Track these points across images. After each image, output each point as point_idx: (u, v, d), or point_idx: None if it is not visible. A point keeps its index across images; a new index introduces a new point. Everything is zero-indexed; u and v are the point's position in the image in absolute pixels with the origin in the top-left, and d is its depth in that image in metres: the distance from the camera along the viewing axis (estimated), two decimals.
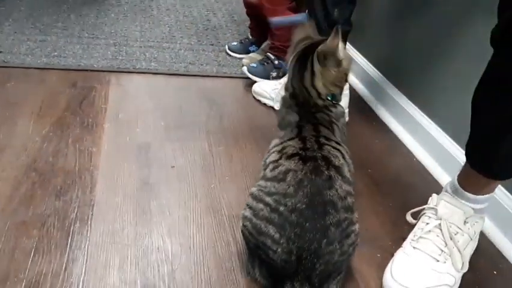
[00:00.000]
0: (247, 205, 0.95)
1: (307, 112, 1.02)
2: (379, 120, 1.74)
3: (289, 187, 0.89)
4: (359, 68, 1.94)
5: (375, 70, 1.86)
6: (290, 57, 1.07)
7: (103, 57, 1.92)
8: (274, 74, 1.90)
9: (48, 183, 1.21)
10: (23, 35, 2.02)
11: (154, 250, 1.06)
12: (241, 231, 0.98)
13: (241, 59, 2.06)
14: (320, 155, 0.92)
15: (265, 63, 1.91)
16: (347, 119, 1.70)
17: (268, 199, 0.91)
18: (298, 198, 0.87)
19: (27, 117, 1.47)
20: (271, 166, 0.94)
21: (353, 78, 1.94)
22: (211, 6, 2.75)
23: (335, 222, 0.88)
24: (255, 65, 1.91)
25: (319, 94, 1.02)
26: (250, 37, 2.14)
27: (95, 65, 1.85)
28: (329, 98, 1.03)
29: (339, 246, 0.89)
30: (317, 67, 1.00)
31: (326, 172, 0.90)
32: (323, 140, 0.96)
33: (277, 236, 0.88)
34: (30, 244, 1.02)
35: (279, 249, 0.88)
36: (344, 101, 1.68)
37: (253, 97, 1.78)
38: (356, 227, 0.94)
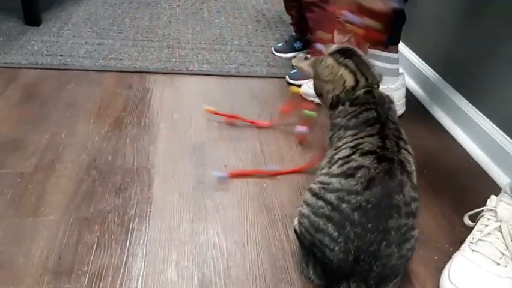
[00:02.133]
0: (305, 202, 0.94)
1: (383, 109, 0.99)
2: (434, 120, 1.70)
3: (357, 184, 0.86)
4: (413, 68, 1.91)
5: (430, 69, 1.82)
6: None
7: (157, 60, 1.97)
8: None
9: (108, 181, 1.25)
10: (81, 38, 2.10)
11: (210, 247, 1.08)
12: (296, 229, 0.98)
13: (289, 58, 2.06)
14: (397, 158, 0.90)
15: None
16: (404, 109, 1.68)
17: (330, 196, 0.88)
18: (364, 197, 0.85)
19: (87, 118, 1.53)
20: (340, 162, 0.92)
21: (407, 78, 1.91)
22: (260, 7, 2.76)
23: (396, 226, 0.86)
24: (295, 70, 1.90)
25: (378, 82, 1.03)
26: (294, 34, 2.14)
27: (149, 67, 1.90)
28: None
29: (398, 249, 0.88)
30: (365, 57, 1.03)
31: (399, 176, 0.88)
32: (401, 144, 0.93)
33: (335, 234, 0.87)
34: (92, 239, 1.07)
35: (337, 248, 0.88)
36: (400, 92, 1.67)
37: (303, 97, 1.78)
38: (416, 232, 0.92)
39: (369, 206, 0.85)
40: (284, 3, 2.10)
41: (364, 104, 1.01)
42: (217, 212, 1.19)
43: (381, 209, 0.85)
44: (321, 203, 0.89)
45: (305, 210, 0.93)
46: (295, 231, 1.01)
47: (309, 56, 1.96)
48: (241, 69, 1.97)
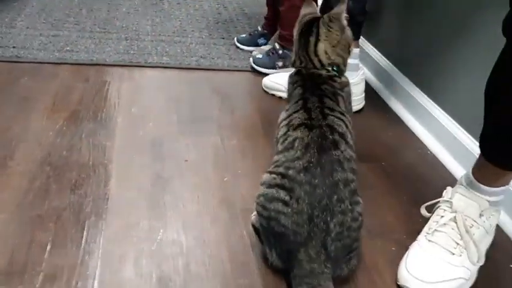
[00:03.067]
0: (261, 183, 0.98)
1: (312, 84, 1.04)
2: (392, 112, 1.73)
3: (296, 152, 0.94)
4: (371, 59, 1.93)
5: (387, 61, 1.85)
6: (296, 30, 1.10)
7: (115, 52, 1.92)
8: (280, 64, 1.90)
9: (63, 177, 1.22)
10: (35, 30, 2.03)
11: (169, 243, 1.06)
12: (253, 222, 1.00)
13: (250, 51, 2.05)
14: (324, 123, 0.96)
15: (271, 54, 1.91)
16: (363, 103, 1.70)
17: (279, 169, 0.95)
18: (305, 159, 0.92)
19: (41, 112, 1.48)
20: (281, 140, 0.99)
21: (367, 72, 1.93)
22: (221, 1, 2.74)
23: (343, 179, 0.92)
24: (260, 56, 1.92)
25: (322, 64, 1.05)
26: (260, 29, 2.14)
27: (107, 60, 1.86)
28: (335, 69, 1.05)
29: (351, 208, 0.92)
30: (322, 30, 1.04)
31: (331, 137, 0.95)
32: (327, 111, 0.99)
33: (287, 198, 0.91)
34: (46, 237, 1.03)
35: (289, 210, 0.91)
36: (360, 87, 1.68)
37: (264, 91, 1.78)
38: (360, 200, 0.96)
39: (311, 165, 0.91)
40: None
41: (295, 83, 1.07)
42: (176, 208, 1.17)
43: (323, 165, 0.92)
44: (273, 175, 0.95)
45: (260, 190, 0.98)
46: (252, 225, 1.02)
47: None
48: (202, 62, 1.95)
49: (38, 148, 1.32)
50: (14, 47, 1.85)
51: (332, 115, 0.98)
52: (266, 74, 1.84)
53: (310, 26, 1.06)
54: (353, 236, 0.94)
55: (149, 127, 1.49)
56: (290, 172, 0.93)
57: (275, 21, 2.05)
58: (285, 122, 1.01)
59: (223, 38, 2.19)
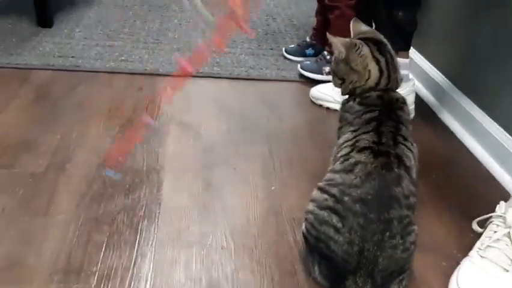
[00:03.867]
0: (311, 200, 0.97)
1: (388, 108, 1.01)
2: (443, 126, 1.70)
3: (356, 178, 0.91)
4: (421, 71, 1.90)
5: (438, 73, 1.82)
6: (366, 49, 1.06)
7: (168, 62, 1.98)
8: (327, 70, 1.90)
9: (118, 182, 1.26)
10: (92, 40, 2.11)
11: (218, 249, 1.08)
12: (303, 231, 1.00)
13: (298, 62, 2.07)
14: (394, 152, 0.93)
15: (319, 60, 1.93)
16: (413, 115, 1.68)
17: (333, 190, 0.93)
18: (364, 189, 0.89)
19: (98, 119, 1.55)
20: (341, 159, 0.96)
21: (417, 83, 1.90)
22: (270, 11, 2.77)
23: (397, 216, 0.89)
24: (308, 62, 1.95)
25: (397, 84, 1.04)
26: (308, 40, 2.15)
27: (160, 70, 1.91)
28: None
29: (402, 241, 0.90)
30: (395, 56, 1.03)
31: (396, 170, 0.91)
32: (399, 139, 0.96)
33: (339, 225, 0.90)
34: (101, 239, 1.08)
35: (341, 239, 0.89)
36: (410, 98, 1.66)
37: (312, 101, 1.78)
38: (415, 227, 0.94)
39: (369, 197, 0.89)
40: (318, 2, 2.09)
41: (370, 106, 1.03)
42: (225, 214, 1.19)
43: (381, 200, 0.89)
44: (325, 196, 0.94)
45: (311, 206, 0.97)
46: (303, 234, 1.02)
47: None
48: (251, 72, 1.98)
49: (95, 153, 1.37)
50: (72, 57, 1.94)
51: (404, 144, 0.96)
52: (314, 82, 1.85)
53: (383, 47, 1.05)
54: (401, 264, 0.93)
55: (200, 135, 1.52)
56: (346, 199, 0.90)
57: (324, 31, 2.05)
58: (349, 142, 0.98)
59: (272, 49, 2.22)
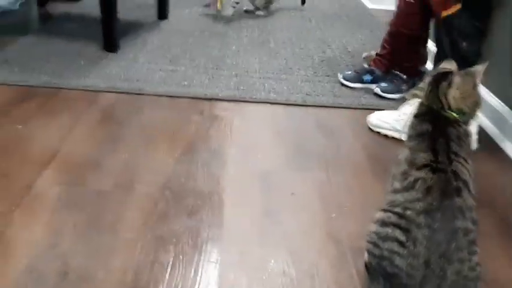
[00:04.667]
0: (374, 221, 0.97)
1: (439, 124, 1.03)
2: (507, 157, 1.64)
3: (417, 193, 0.92)
4: (485, 103, 1.85)
5: (502, 104, 1.77)
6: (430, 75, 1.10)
7: (227, 88, 2.02)
8: (404, 87, 1.98)
9: (181, 203, 1.29)
10: (155, 65, 2.19)
11: (279, 274, 1.08)
12: (365, 261, 0.98)
13: (353, 89, 2.08)
14: (450, 169, 0.94)
15: (395, 80, 2.01)
16: (475, 146, 1.63)
17: (396, 209, 0.94)
18: (426, 202, 0.90)
19: (161, 141, 1.59)
20: (400, 177, 0.98)
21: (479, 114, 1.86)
22: (325, 39, 2.79)
23: (463, 228, 0.89)
24: (385, 84, 2.01)
25: (449, 106, 1.03)
26: (366, 66, 2.15)
27: (220, 95, 1.96)
28: (457, 115, 1.03)
29: (468, 257, 0.89)
30: (456, 78, 1.03)
31: (455, 183, 0.92)
32: (452, 156, 0.97)
33: (403, 238, 0.90)
34: (167, 258, 1.10)
35: (405, 252, 0.89)
36: (473, 129, 1.62)
37: (370, 129, 1.77)
38: (478, 250, 0.93)
39: (432, 208, 0.89)
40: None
41: (421, 115, 1.06)
42: (285, 240, 1.19)
43: (445, 210, 0.89)
44: (388, 214, 0.94)
45: (373, 227, 0.97)
46: (365, 262, 1.01)
47: None
48: (308, 98, 1.99)
49: (160, 174, 1.41)
50: (137, 80, 2.01)
51: (457, 161, 0.96)
52: (371, 110, 1.84)
53: (445, 74, 1.06)
54: (468, 285, 0.91)
55: (258, 159, 1.54)
56: (408, 213, 0.91)
57: (391, 60, 2.06)
58: (407, 160, 0.99)
59: (328, 76, 2.23)
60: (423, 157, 0.97)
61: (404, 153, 1.02)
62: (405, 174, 0.97)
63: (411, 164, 0.98)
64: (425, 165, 0.96)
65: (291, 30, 2.93)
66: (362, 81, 2.10)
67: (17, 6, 2.72)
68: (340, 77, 2.16)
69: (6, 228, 1.16)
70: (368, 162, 1.57)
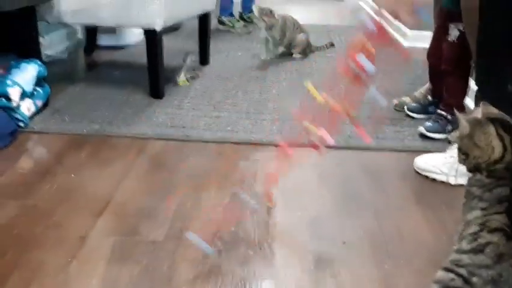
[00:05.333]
0: (435, 281, 0.93)
1: None
2: None
3: (487, 258, 0.88)
4: None
5: None
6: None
7: (270, 132, 2.03)
8: (449, 128, 1.97)
9: (232, 253, 1.28)
10: (200, 111, 2.23)
11: None
12: None
13: (421, 119, 2.12)
14: None
15: (439, 120, 1.99)
16: None
17: (461, 270, 0.89)
18: (496, 271, 0.86)
19: (210, 188, 1.60)
20: (469, 238, 0.93)
21: None
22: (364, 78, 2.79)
23: None
24: (430, 124, 2.00)
25: None
26: (430, 98, 2.19)
27: (263, 140, 1.97)
28: None
29: None
30: None
31: None
32: None
33: None
34: None
35: None
36: None
37: (417, 172, 1.74)
38: None
39: (502, 279, 0.85)
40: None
41: (500, 179, 0.99)
42: None
43: None
44: (452, 275, 0.90)
45: (435, 287, 0.92)
46: None
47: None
48: (350, 141, 1.97)
49: (209, 222, 1.41)
50: (183, 127, 2.05)
51: None
52: (417, 153, 1.81)
53: (504, 124, 1.02)
54: None
55: (305, 205, 1.52)
56: (474, 280, 0.87)
57: (441, 92, 2.07)
58: (479, 221, 0.95)
59: (369, 117, 2.21)
60: (497, 220, 0.92)
61: (474, 214, 0.97)
62: (475, 235, 0.93)
63: (483, 225, 0.93)
64: (498, 229, 0.91)
65: (328, 70, 2.94)
66: (427, 112, 2.15)
67: (65, 55, 2.84)
68: (405, 108, 2.22)
69: (65, 280, 1.18)
70: (418, 208, 1.53)
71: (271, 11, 3.02)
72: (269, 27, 3.03)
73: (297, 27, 3.17)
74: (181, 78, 2.55)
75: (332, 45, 3.45)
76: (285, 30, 3.10)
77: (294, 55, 3.18)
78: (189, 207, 1.49)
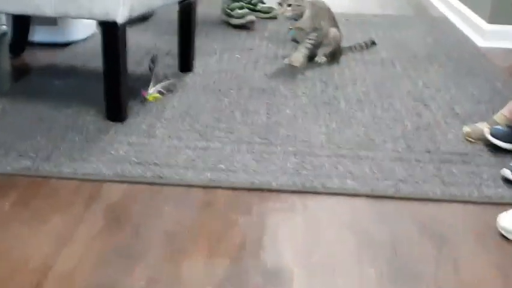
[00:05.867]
0: None
1: None
2: None
3: None
4: None
5: None
6: None
7: (282, 172, 2.04)
8: None
9: None
10: (179, 140, 2.24)
11: None
12: None
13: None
14: None
15: None
16: None
17: None
18: None
19: (194, 256, 1.60)
20: None
21: None
22: (419, 94, 2.82)
23: None
24: (500, 127, 2.08)
25: None
26: None
27: (273, 183, 1.97)
28: None
29: None
30: None
31: None
32: None
33: None
34: None
35: None
36: None
37: (502, 235, 1.74)
38: None
39: None
40: None
41: None
42: None
43: None
44: None
45: None
46: None
47: None
48: (402, 187, 1.98)
49: None
50: (155, 164, 2.06)
51: None
52: (502, 208, 1.81)
53: None
54: None
55: (337, 284, 1.52)
56: None
57: None
58: None
59: (429, 152, 2.23)
60: None
61: None
62: None
63: None
64: None
65: (367, 81, 3.00)
66: None
67: None
68: (487, 133, 2.22)
69: None
70: None
71: None
72: (295, 18, 3.06)
73: (332, 18, 3.22)
74: (152, 91, 2.58)
75: (373, 43, 3.51)
76: (319, 21, 3.13)
77: (317, 58, 3.22)
78: (164, 285, 1.49)
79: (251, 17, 3.86)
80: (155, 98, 2.58)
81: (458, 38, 3.83)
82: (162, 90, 2.63)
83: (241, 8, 3.92)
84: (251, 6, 4.02)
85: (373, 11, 4.49)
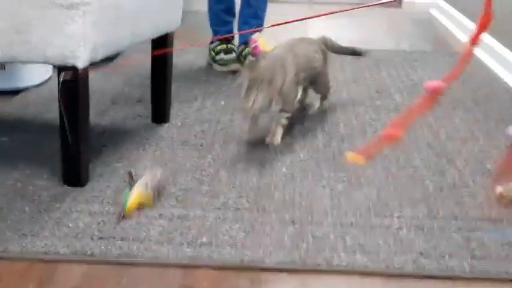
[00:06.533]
0: None
1: None
2: None
3: None
4: None
5: None
6: None
7: (277, 246, 2.02)
8: None
9: None
10: (152, 208, 2.22)
11: None
12: None
13: None
14: None
15: None
16: None
17: None
18: None
19: None
20: None
21: None
22: (442, 147, 2.82)
23: None
24: None
25: None
26: None
27: (266, 260, 1.95)
28: None
29: None
30: None
31: None
32: None
33: None
34: None
35: None
36: None
37: None
38: None
39: None
40: None
41: None
42: None
43: None
44: None
45: None
46: None
47: None
48: (424, 263, 1.97)
49: None
50: (122, 239, 2.03)
51: None
52: None
53: None
54: None
55: None
56: None
57: None
58: None
59: (456, 219, 2.21)
60: None
61: None
62: None
63: None
64: None
65: (379, 132, 2.98)
66: None
67: None
68: None
69: None
70: None
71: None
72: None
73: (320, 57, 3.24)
74: (130, 202, 2.24)
75: (361, 54, 3.54)
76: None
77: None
78: None
79: (235, 66, 3.88)
80: (133, 208, 2.29)
81: (486, 77, 3.85)
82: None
83: (227, 51, 3.96)
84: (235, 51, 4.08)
85: (385, 46, 4.53)
